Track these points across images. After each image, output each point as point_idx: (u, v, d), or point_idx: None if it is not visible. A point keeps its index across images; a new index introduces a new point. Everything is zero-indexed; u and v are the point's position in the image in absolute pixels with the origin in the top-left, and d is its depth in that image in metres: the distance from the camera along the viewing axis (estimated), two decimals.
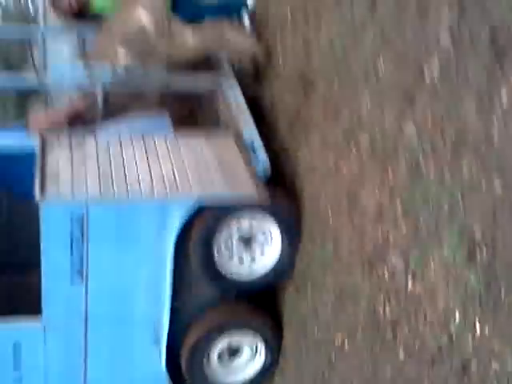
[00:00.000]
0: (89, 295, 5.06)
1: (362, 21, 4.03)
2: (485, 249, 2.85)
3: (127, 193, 4.60)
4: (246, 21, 6.27)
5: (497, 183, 2.78)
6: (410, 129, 3.45)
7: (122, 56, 5.52)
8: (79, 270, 4.94)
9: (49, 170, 4.73)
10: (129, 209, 4.84)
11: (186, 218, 4.83)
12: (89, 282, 5.00)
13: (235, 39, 5.84)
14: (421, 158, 3.34)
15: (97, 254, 4.93)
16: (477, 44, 2.93)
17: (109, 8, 5.86)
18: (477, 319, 2.91)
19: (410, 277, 3.46)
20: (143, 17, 5.54)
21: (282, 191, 5.04)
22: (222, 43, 5.82)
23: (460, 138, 3.03)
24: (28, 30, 7.51)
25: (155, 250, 5.01)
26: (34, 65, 7.31)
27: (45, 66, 6.31)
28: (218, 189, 4.72)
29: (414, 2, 3.45)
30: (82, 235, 4.81)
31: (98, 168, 4.75)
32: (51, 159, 4.82)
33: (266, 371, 5.50)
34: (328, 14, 4.54)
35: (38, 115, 5.61)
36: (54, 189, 4.58)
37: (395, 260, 3.60)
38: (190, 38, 5.71)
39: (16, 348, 5.23)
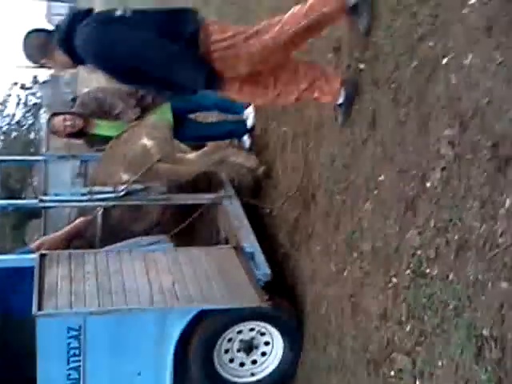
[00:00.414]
0: None
1: (362, 137, 4.15)
2: (493, 344, 2.85)
3: (126, 304, 4.56)
4: (247, 139, 6.41)
5: (503, 282, 2.82)
6: (412, 234, 3.51)
7: (125, 178, 5.61)
8: (76, 381, 4.84)
9: (47, 284, 4.70)
10: (127, 318, 4.75)
11: (186, 324, 4.75)
12: None
13: (236, 159, 5.95)
14: (424, 260, 3.38)
15: (94, 363, 4.80)
16: (478, 155, 3.03)
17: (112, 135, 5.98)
18: None
19: (417, 376, 3.43)
20: (147, 142, 5.67)
21: (283, 297, 5.03)
22: (223, 164, 5.94)
23: (463, 241, 3.09)
24: (32, 158, 7.66)
25: (154, 359, 4.90)
26: (34, 188, 7.40)
27: (46, 189, 6.40)
28: (218, 295, 4.70)
29: (414, 119, 3.57)
30: (79, 345, 4.74)
31: (97, 283, 4.72)
32: (50, 275, 4.79)
33: None
34: (328, 131, 4.66)
35: (43, 239, 5.65)
36: (51, 303, 4.54)
37: (401, 360, 3.57)
38: (192, 164, 5.83)
39: None
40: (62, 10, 51.13)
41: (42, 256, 4.91)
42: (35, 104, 18.41)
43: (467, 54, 3.17)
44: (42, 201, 5.78)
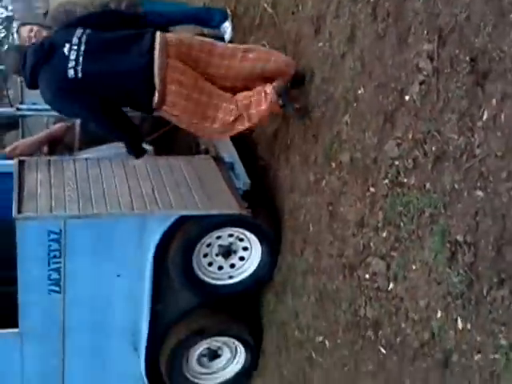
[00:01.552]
0: (66, 305, 4.94)
1: (341, 51, 4.07)
2: (466, 249, 2.88)
3: (106, 208, 4.51)
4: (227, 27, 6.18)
5: (478, 191, 2.83)
6: (390, 145, 3.49)
7: None
8: (56, 281, 4.84)
9: (27, 189, 4.60)
10: (107, 224, 4.73)
11: (166, 229, 4.75)
12: (66, 292, 4.88)
13: None
14: (402, 170, 3.38)
15: (74, 266, 4.81)
16: (457, 69, 2.98)
17: None
18: (459, 315, 2.94)
19: (391, 278, 3.47)
20: None
21: (262, 206, 5.03)
22: None
23: (441, 152, 3.08)
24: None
25: (134, 262, 4.92)
26: (9, 97, 7.18)
27: (22, 99, 6.23)
28: (197, 202, 4.66)
29: (393, 33, 3.50)
30: (60, 248, 4.72)
31: (77, 189, 4.63)
32: (29, 180, 4.69)
33: (246, 373, 5.44)
34: (307, 45, 4.57)
35: (17, 143, 5.52)
36: (31, 206, 4.47)
37: (376, 263, 3.61)
38: None
39: None
40: None
41: (21, 162, 4.80)
42: (7, 17, 17.77)
43: None
44: (18, 109, 5.66)
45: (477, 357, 2.81)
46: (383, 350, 3.53)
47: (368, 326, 3.68)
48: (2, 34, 18.09)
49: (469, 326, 2.87)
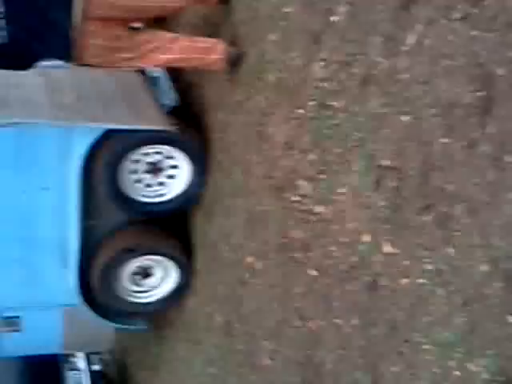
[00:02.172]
0: None
1: None
2: (392, 174, 2.91)
3: (27, 115, 4.39)
4: None
5: (403, 116, 2.84)
6: (316, 66, 3.46)
7: None
8: None
9: None
10: (29, 132, 4.61)
11: (93, 143, 4.67)
12: None
13: None
14: (328, 92, 3.37)
15: None
16: None
17: None
18: (385, 239, 3.00)
19: (319, 201, 3.50)
20: None
21: (190, 123, 4.97)
22: None
23: (367, 75, 3.07)
24: None
25: (61, 174, 4.85)
26: None
27: None
28: (123, 116, 4.59)
29: None
30: None
31: None
32: None
33: (179, 291, 5.49)
34: None
35: None
36: None
37: (304, 186, 3.63)
38: None
39: None
40: None
41: None
42: None
43: None
44: None
45: (403, 281, 2.88)
46: (313, 272, 3.59)
47: (297, 247, 3.73)
48: None
49: (396, 250, 2.93)
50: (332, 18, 3.28)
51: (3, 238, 5.06)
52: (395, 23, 2.85)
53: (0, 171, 4.76)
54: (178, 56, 4.30)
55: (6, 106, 4.40)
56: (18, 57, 3.77)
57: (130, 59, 4.25)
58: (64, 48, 4.10)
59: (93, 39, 4.05)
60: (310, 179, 3.58)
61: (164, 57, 4.30)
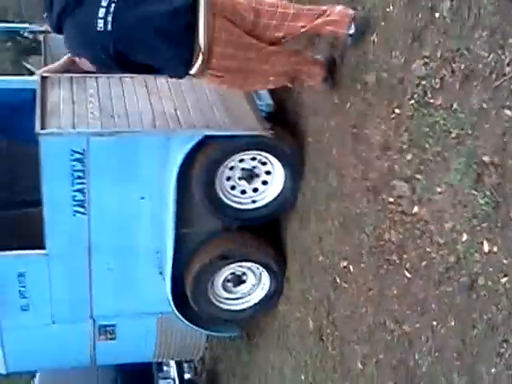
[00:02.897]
0: (91, 226, 5.07)
1: None
2: (493, 170, 2.87)
3: (129, 126, 4.52)
4: None
5: (507, 110, 2.80)
6: (417, 64, 3.45)
7: None
8: (81, 202, 4.93)
9: (49, 105, 4.62)
10: (130, 142, 4.79)
11: (190, 151, 4.76)
12: (91, 213, 5.00)
13: None
14: (428, 90, 3.35)
15: (98, 187, 4.91)
16: None
17: None
18: (485, 238, 2.95)
19: (416, 201, 3.48)
20: None
21: (284, 128, 5.02)
22: None
23: (469, 70, 3.04)
24: None
25: (158, 183, 4.99)
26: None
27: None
28: (220, 122, 4.67)
29: None
30: (84, 168, 4.79)
31: (100, 104, 4.66)
32: (52, 96, 4.71)
33: (271, 298, 5.53)
34: None
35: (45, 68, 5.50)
36: (54, 122, 4.49)
37: (400, 186, 3.62)
38: None
39: (21, 277, 5.26)
40: None
41: (44, 78, 4.82)
42: None
43: None
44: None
45: (504, 279, 2.83)
46: (408, 274, 3.56)
47: (392, 250, 3.71)
48: None
49: (495, 249, 2.89)
50: (435, 14, 3.27)
51: (101, 247, 5.24)
52: (501, 15, 2.82)
53: (102, 181, 4.93)
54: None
55: (110, 116, 4.56)
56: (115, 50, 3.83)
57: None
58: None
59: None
60: (406, 179, 3.57)
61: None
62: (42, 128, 4.43)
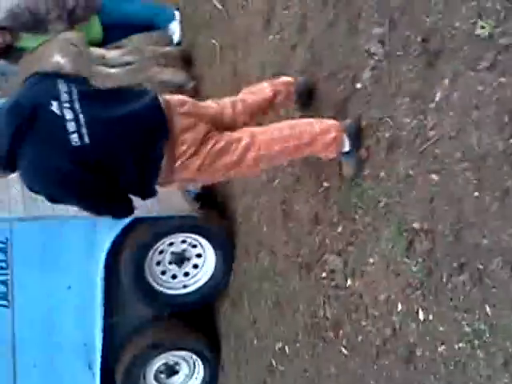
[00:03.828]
0: (15, 319, 4.87)
1: (291, 43, 4.06)
2: (424, 237, 2.86)
3: (53, 210, 4.36)
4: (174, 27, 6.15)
5: (433, 174, 2.82)
6: None
7: None
8: (4, 294, 4.75)
9: None
10: (55, 227, 4.66)
11: (117, 235, 4.69)
12: (14, 306, 4.81)
13: (164, 77, 5.76)
14: None
15: (22, 277, 4.75)
16: (408, 51, 2.99)
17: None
18: (419, 306, 2.92)
19: (348, 274, 3.45)
20: (60, 59, 5.40)
21: (213, 210, 5.00)
22: (149, 78, 5.75)
23: (394, 137, 3.07)
24: None
25: (84, 270, 4.86)
26: None
27: None
28: (148, 204, 4.58)
29: (343, 20, 3.50)
30: (6, 258, 4.64)
31: (22, 190, 4.49)
32: None
33: None
34: (257, 40, 4.55)
35: None
36: None
37: (333, 260, 3.59)
38: (116, 81, 5.60)
39: None
40: None
41: None
42: None
43: None
44: None
45: (441, 348, 2.78)
46: (345, 351, 3.50)
47: (328, 326, 3.65)
48: None
49: (430, 317, 2.85)
50: (357, 85, 3.32)
51: (26, 342, 5.01)
52: (422, 81, 2.87)
53: (26, 271, 4.77)
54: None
55: (34, 200, 4.45)
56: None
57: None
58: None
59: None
60: (338, 252, 3.54)
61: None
62: None
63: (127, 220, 4.61)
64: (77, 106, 3.03)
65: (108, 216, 3.35)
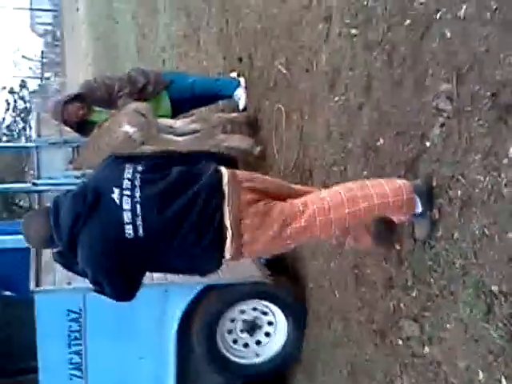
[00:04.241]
0: None
1: (357, 103, 4.01)
2: (503, 299, 2.73)
3: None
4: (240, 96, 6.19)
5: (510, 233, 2.70)
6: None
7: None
8: (78, 365, 4.75)
9: (44, 262, 4.59)
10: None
11: (188, 303, 4.69)
12: (88, 377, 4.80)
13: (230, 143, 5.79)
14: None
15: (96, 348, 4.75)
16: (478, 106, 2.90)
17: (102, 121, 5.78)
18: (502, 374, 2.77)
19: (426, 341, 3.31)
20: (129, 129, 5.50)
21: (283, 276, 4.92)
22: (215, 145, 5.77)
23: (467, 196, 2.97)
24: (24, 145, 7.59)
25: (157, 340, 4.84)
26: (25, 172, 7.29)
27: (39, 174, 6.25)
28: (219, 272, 4.57)
29: (410, 78, 3.45)
30: (80, 328, 4.65)
31: None
32: (47, 252, 4.60)
33: None
34: (322, 102, 4.53)
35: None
36: (49, 279, 4.45)
37: (408, 326, 3.45)
38: (183, 147, 5.65)
39: None
40: (47, 18, 51.13)
41: None
42: (25, 108, 18.18)
43: (461, 5, 3.05)
44: (35, 184, 5.66)
45: None
46: None
47: None
48: (20, 126, 18.45)
49: None
50: (426, 143, 3.24)
51: None
52: (493, 136, 2.77)
53: (99, 341, 4.78)
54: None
55: None
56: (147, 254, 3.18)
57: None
58: None
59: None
60: (414, 318, 3.41)
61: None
62: (37, 285, 4.35)
63: (198, 288, 4.60)
64: (137, 194, 3.09)
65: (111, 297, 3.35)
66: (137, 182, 3.13)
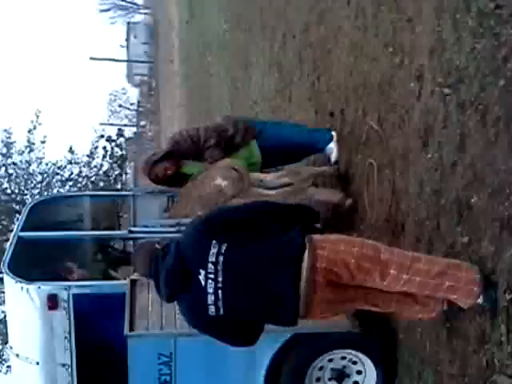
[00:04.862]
0: None
1: (451, 161, 4.09)
2: None
3: None
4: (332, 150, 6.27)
5: None
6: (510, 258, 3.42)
7: (197, 211, 5.53)
8: None
9: (138, 308, 4.78)
10: (217, 346, 4.68)
11: (276, 350, 4.74)
12: None
13: (321, 197, 5.83)
14: None
15: None
16: None
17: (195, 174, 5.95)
18: None
19: None
20: (222, 182, 5.64)
21: (375, 325, 4.94)
22: (306, 199, 5.82)
23: None
24: (121, 193, 7.91)
25: None
26: (119, 221, 7.48)
27: (134, 222, 6.47)
28: (309, 321, 4.65)
29: (505, 137, 3.51)
30: (170, 372, 4.76)
31: None
32: (141, 299, 4.88)
33: None
34: (415, 159, 4.61)
35: None
36: (142, 324, 4.61)
37: (502, 382, 3.46)
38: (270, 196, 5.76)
39: None
40: (143, 69, 52.74)
41: (133, 281, 4.98)
42: (121, 156, 18.80)
43: None
44: (131, 232, 5.86)
45: None
46: None
47: None
48: (117, 172, 19.03)
49: None
50: None
51: None
52: None
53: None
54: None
55: None
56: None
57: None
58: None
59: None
60: (508, 374, 3.42)
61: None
62: (131, 330, 4.51)
63: (287, 335, 4.66)
64: (219, 279, 3.58)
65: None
66: (219, 267, 3.57)
